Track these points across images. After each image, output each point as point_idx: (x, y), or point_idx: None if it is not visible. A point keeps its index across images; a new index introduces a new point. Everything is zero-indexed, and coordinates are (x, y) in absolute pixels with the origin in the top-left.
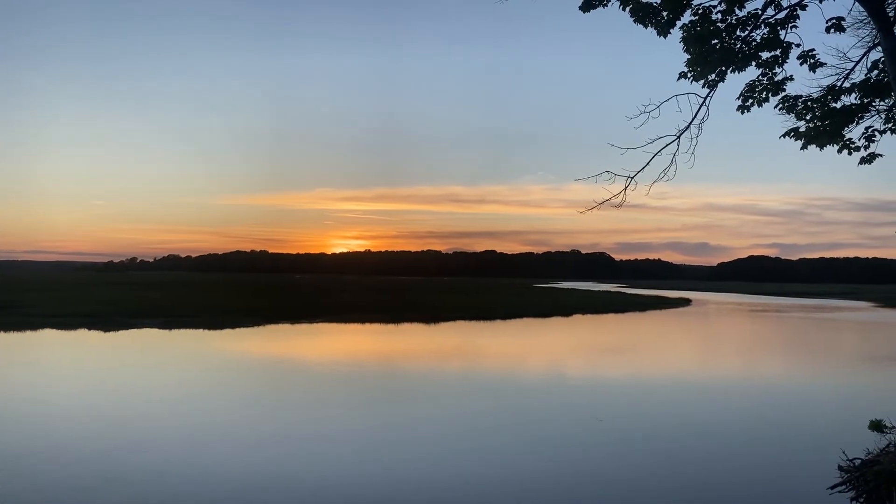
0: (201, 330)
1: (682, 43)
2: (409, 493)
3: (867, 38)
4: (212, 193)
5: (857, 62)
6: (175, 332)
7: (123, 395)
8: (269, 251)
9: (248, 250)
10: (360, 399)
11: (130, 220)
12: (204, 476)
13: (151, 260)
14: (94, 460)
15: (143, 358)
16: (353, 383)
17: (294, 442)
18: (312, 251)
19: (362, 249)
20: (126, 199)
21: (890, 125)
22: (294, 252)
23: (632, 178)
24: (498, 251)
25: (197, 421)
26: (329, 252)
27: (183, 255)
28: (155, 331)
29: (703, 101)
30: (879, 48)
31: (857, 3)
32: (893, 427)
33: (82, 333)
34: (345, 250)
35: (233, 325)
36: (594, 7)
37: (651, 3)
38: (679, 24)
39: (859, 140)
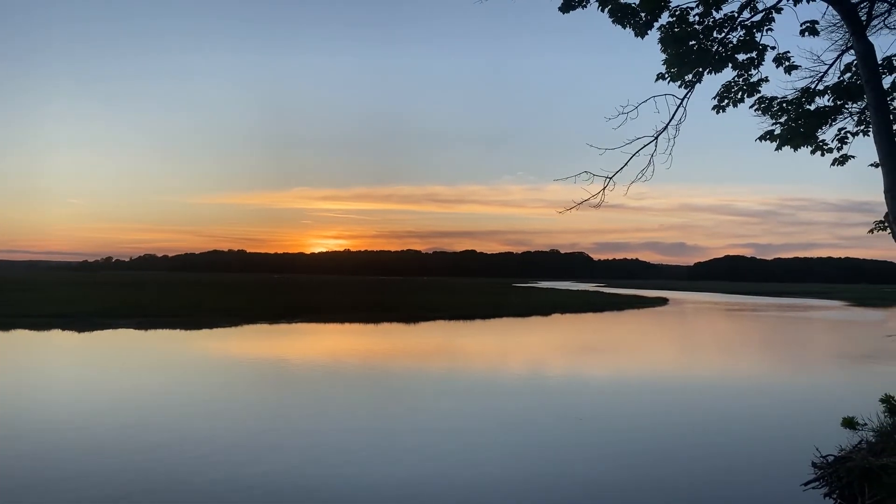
0: (178, 330)
1: (660, 44)
2: (388, 494)
3: (840, 42)
4: (189, 193)
5: (831, 65)
6: (151, 332)
7: (93, 397)
8: (247, 251)
9: (226, 250)
10: (337, 399)
11: (106, 219)
12: (168, 478)
13: (127, 259)
14: (52, 463)
15: (116, 359)
16: (331, 383)
17: (266, 442)
18: (291, 251)
19: (341, 249)
20: (102, 198)
21: (862, 127)
22: (272, 252)
23: (610, 178)
24: (478, 251)
25: (165, 421)
26: (308, 252)
27: (159, 255)
28: (130, 331)
29: (681, 103)
30: (852, 51)
31: (830, 7)
32: (865, 424)
33: (55, 334)
34: (324, 250)
35: (210, 326)
36: (574, 8)
37: (629, 4)
38: (657, 25)
39: (832, 142)
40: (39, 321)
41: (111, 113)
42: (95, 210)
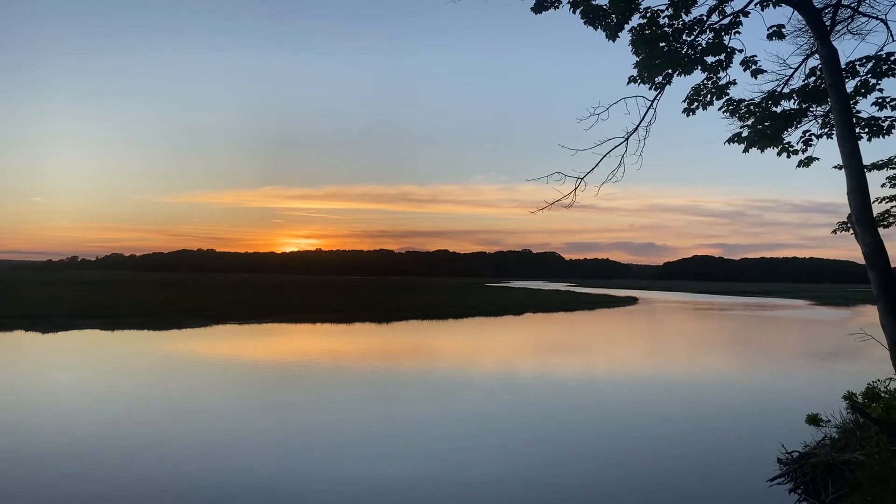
0: (145, 331)
1: (630, 46)
2: (355, 492)
3: (805, 46)
4: (157, 191)
5: (796, 69)
6: (117, 332)
7: (55, 400)
8: (217, 250)
9: (195, 249)
10: (306, 400)
11: (71, 218)
12: (129, 481)
13: (93, 259)
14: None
15: (80, 361)
16: (299, 384)
17: (233, 443)
18: (262, 250)
19: (313, 248)
20: (67, 197)
21: (826, 130)
22: (243, 251)
23: (581, 178)
24: (451, 250)
25: (130, 424)
26: (279, 251)
27: (126, 254)
28: (96, 332)
29: (651, 104)
30: (817, 56)
31: (796, 12)
32: (829, 421)
33: (18, 335)
34: (295, 249)
35: (178, 326)
36: (546, 9)
37: (601, 6)
38: (628, 27)
39: (797, 144)
40: (1, 322)
41: (76, 110)
42: (59, 209)
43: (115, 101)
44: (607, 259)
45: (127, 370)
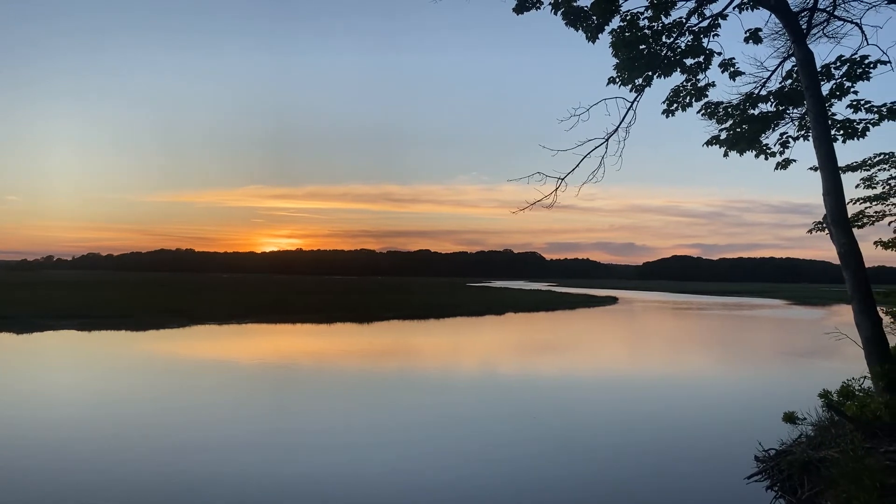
0: (123, 331)
1: (611, 48)
2: (336, 494)
3: (782, 49)
4: (135, 190)
5: (773, 71)
6: (94, 333)
7: (27, 401)
8: (196, 250)
9: (174, 249)
10: (286, 401)
11: (47, 217)
12: (101, 483)
13: (69, 258)
14: None
15: (55, 362)
16: (279, 384)
17: (211, 447)
18: (241, 250)
19: (294, 248)
20: (43, 195)
21: (802, 132)
22: (222, 251)
23: (562, 179)
24: (432, 250)
25: (107, 426)
26: (259, 251)
27: (104, 254)
28: (73, 332)
29: (631, 106)
30: (793, 59)
31: (773, 16)
32: (805, 419)
33: None
34: (275, 249)
35: (156, 327)
36: (528, 9)
37: (582, 8)
38: (608, 28)
39: (775, 146)
40: None
41: (52, 109)
42: (35, 207)
43: (92, 99)
44: (588, 259)
45: (102, 372)
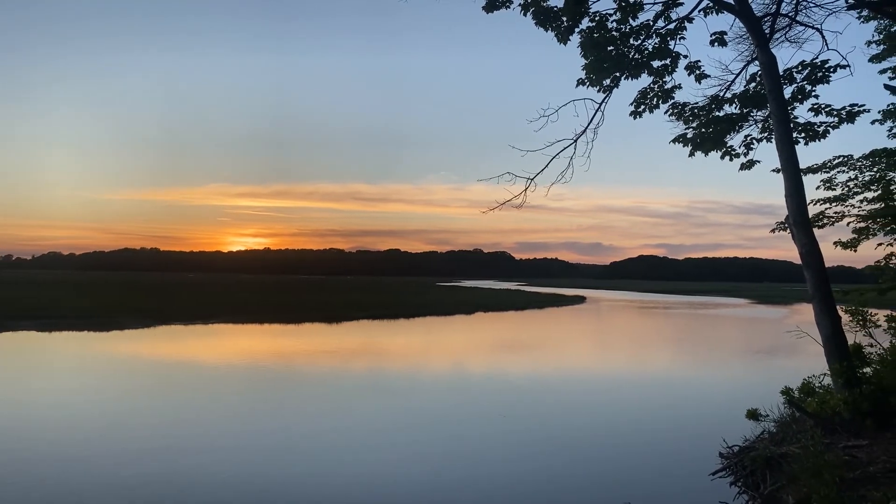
0: (84, 332)
1: (580, 48)
2: (307, 496)
3: (746, 53)
4: (97, 188)
5: (738, 74)
6: (54, 334)
7: None
8: (161, 249)
9: (138, 248)
10: (254, 402)
11: (5, 214)
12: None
13: (29, 258)
14: None
15: (14, 363)
16: (246, 386)
17: (179, 449)
18: (207, 249)
19: (261, 248)
20: (0, 193)
21: (766, 134)
22: (188, 250)
23: (531, 179)
24: (402, 250)
25: (68, 427)
26: (225, 250)
27: (65, 253)
28: (32, 333)
29: (599, 107)
30: (757, 62)
31: (737, 20)
32: (767, 415)
33: None
34: (242, 248)
35: (119, 327)
36: (497, 8)
37: (552, 8)
38: (578, 30)
39: (739, 147)
40: None
41: (14, 106)
42: None
43: (51, 96)
44: (556, 259)
45: (60, 374)
